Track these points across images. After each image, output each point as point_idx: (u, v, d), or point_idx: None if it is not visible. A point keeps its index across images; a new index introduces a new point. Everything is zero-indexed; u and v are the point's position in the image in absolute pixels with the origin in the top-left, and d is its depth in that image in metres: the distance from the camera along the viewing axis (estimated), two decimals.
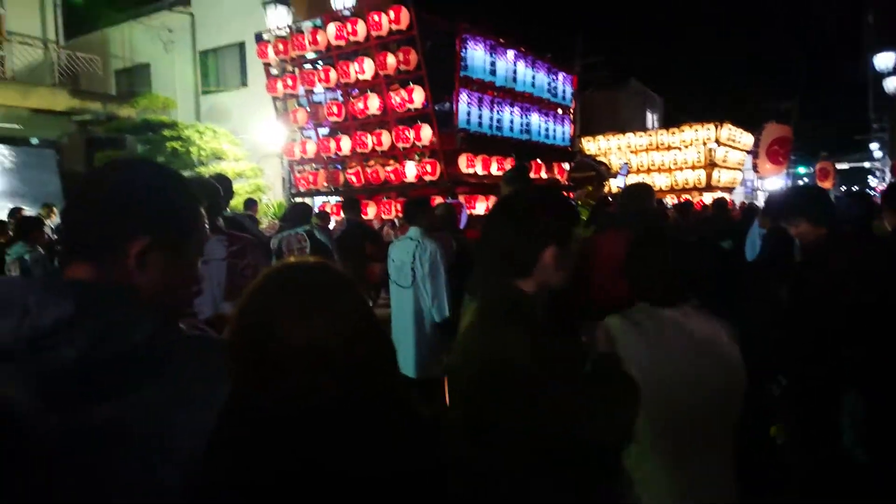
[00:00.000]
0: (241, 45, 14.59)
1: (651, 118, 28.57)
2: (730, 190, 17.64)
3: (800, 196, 3.20)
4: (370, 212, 8.60)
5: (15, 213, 8.46)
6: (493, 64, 8.57)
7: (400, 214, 8.40)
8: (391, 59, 7.96)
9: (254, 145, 13.10)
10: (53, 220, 8.77)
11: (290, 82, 9.36)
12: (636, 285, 1.83)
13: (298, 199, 9.25)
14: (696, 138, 16.40)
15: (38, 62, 13.37)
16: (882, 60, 16.79)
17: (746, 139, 18.49)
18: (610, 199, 9.27)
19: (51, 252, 6.27)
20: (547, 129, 10.32)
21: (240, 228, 3.86)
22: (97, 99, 14.23)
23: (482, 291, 1.68)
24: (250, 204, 8.49)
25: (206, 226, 1.05)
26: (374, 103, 8.28)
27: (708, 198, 14.83)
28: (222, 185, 3.74)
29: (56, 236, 8.46)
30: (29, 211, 9.34)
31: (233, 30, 14.37)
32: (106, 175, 0.98)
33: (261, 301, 0.95)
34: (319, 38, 8.62)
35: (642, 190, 3.70)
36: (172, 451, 0.83)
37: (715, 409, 1.71)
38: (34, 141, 13.13)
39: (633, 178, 16.93)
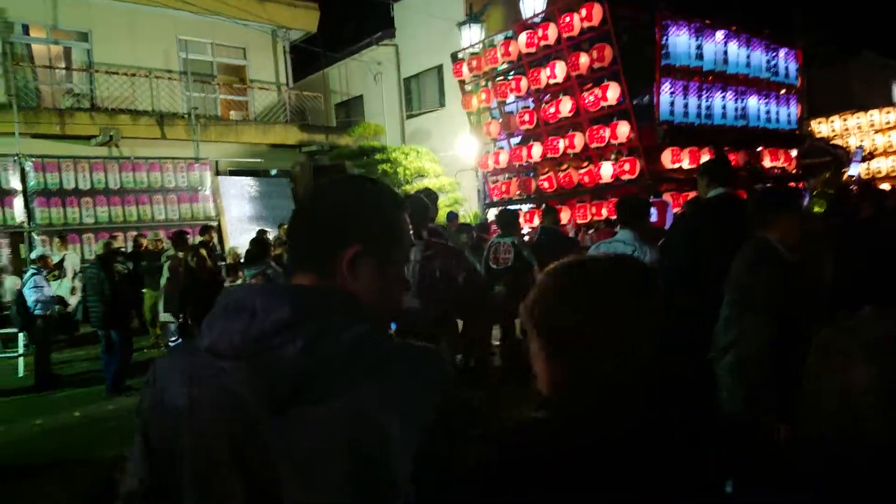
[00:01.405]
0: (440, 68, 15.39)
1: None
2: None
3: None
4: (563, 217, 8.38)
5: (262, 234, 9.72)
6: (699, 48, 7.85)
7: (596, 217, 8.05)
8: (584, 59, 7.70)
9: (451, 161, 13.69)
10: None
11: (483, 96, 9.59)
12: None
13: (503, 208, 9.38)
14: None
15: (273, 103, 15.56)
16: None
17: None
18: (851, 187, 7.88)
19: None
20: (768, 113, 9.15)
21: (437, 236, 4.12)
22: (321, 131, 16.09)
23: None
24: (452, 216, 8.82)
25: (412, 234, 1.09)
26: (565, 106, 8.08)
27: None
28: (431, 199, 4.14)
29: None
30: (270, 233, 10.85)
31: (432, 54, 15.23)
32: (323, 191, 1.04)
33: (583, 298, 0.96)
34: (511, 48, 8.70)
35: None
36: (380, 459, 0.81)
37: None
38: (272, 172, 15.26)
39: (877, 163, 14.32)
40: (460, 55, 10.05)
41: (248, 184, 14.34)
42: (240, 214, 13.80)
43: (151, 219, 12.19)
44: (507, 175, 9.64)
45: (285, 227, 10.78)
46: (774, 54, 9.23)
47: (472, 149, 10.75)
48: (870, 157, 14.14)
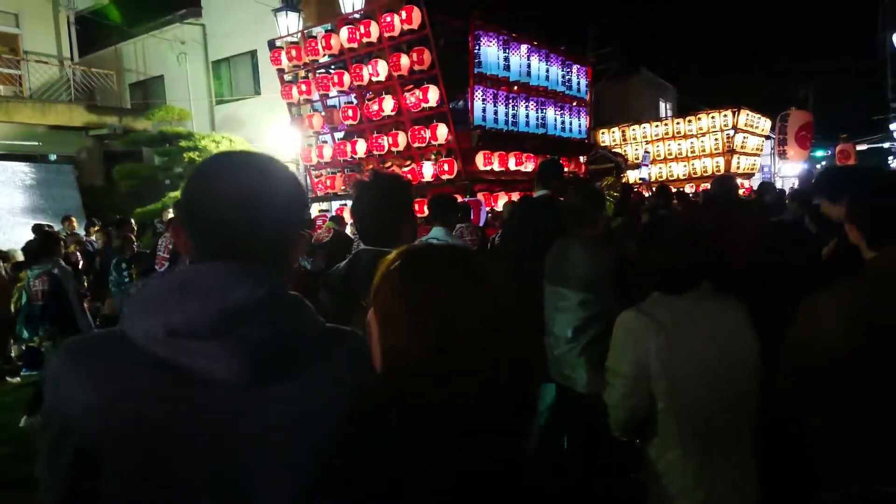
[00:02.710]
0: (254, 54, 14.64)
1: (664, 107, 28.25)
2: (748, 176, 17.42)
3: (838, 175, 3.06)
4: None
5: (40, 228, 8.47)
6: (506, 59, 8.52)
7: (420, 214, 8.36)
8: (405, 60, 7.93)
9: (269, 152, 13.05)
10: (76, 231, 8.94)
11: (304, 87, 9.38)
12: (648, 275, 1.91)
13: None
14: (712, 125, 16.22)
15: (54, 80, 13.55)
16: None
17: (764, 124, 18.23)
18: (635, 189, 9.15)
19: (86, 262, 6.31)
20: (563, 123, 10.24)
21: None
22: (113, 113, 14.38)
23: None
24: None
25: None
26: (388, 104, 8.25)
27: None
28: None
29: (80, 246, 8.55)
30: (54, 227, 9.45)
31: (244, 39, 14.41)
32: (260, 177, 0.98)
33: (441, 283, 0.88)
34: (332, 42, 8.62)
35: (732, 180, 4.50)
36: (309, 435, 0.86)
37: (732, 394, 1.74)
38: (52, 157, 13.30)
39: (650, 169, 16.78)
40: (278, 43, 9.71)
41: (21, 170, 12.34)
42: (10, 206, 11.84)
43: None
44: (331, 170, 9.56)
45: (72, 220, 9.55)
46: (569, 70, 10.37)
47: (293, 141, 10.43)
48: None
